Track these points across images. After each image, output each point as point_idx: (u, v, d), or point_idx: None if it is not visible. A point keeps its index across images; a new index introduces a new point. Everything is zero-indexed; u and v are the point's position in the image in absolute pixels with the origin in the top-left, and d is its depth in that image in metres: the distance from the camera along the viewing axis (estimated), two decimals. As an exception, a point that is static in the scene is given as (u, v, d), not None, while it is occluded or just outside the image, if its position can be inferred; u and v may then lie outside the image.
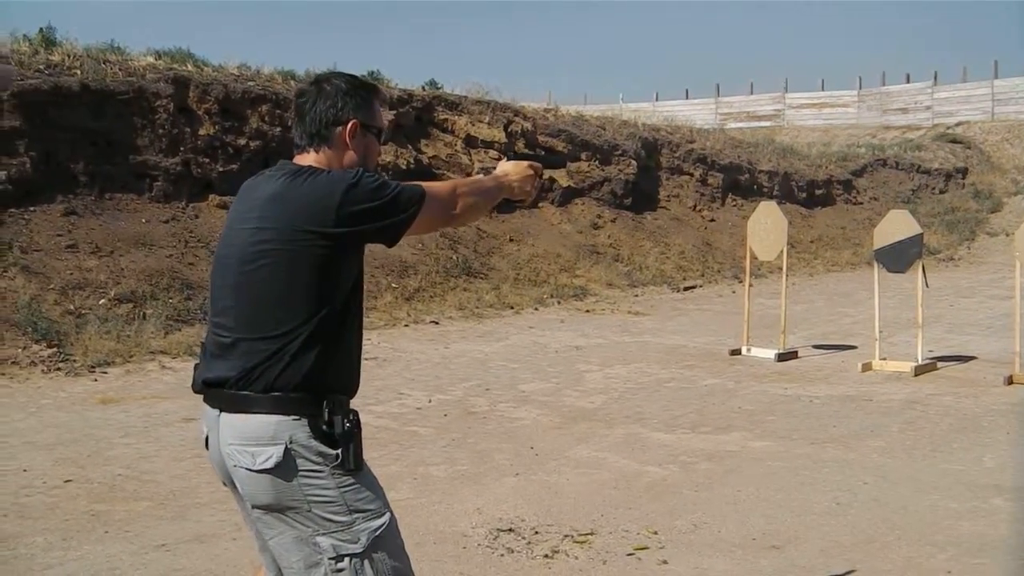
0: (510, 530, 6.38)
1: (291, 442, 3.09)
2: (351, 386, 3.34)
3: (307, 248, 3.12)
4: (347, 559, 3.12)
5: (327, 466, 3.12)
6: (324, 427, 3.12)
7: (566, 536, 6.28)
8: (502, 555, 5.97)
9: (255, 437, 3.11)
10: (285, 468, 3.09)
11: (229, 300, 3.25)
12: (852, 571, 5.74)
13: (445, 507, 6.86)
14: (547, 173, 4.30)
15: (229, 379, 3.17)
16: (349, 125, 3.35)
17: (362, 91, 3.45)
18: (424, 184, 3.38)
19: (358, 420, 3.20)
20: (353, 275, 3.29)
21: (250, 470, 3.11)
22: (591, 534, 6.31)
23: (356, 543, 3.13)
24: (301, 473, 3.10)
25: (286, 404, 3.11)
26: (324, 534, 3.13)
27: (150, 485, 7.32)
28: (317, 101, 3.35)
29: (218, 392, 3.21)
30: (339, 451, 3.13)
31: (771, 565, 5.82)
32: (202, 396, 3.35)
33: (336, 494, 3.12)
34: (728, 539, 6.24)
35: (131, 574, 5.64)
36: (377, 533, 3.17)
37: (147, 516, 6.63)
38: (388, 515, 3.23)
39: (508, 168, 3.80)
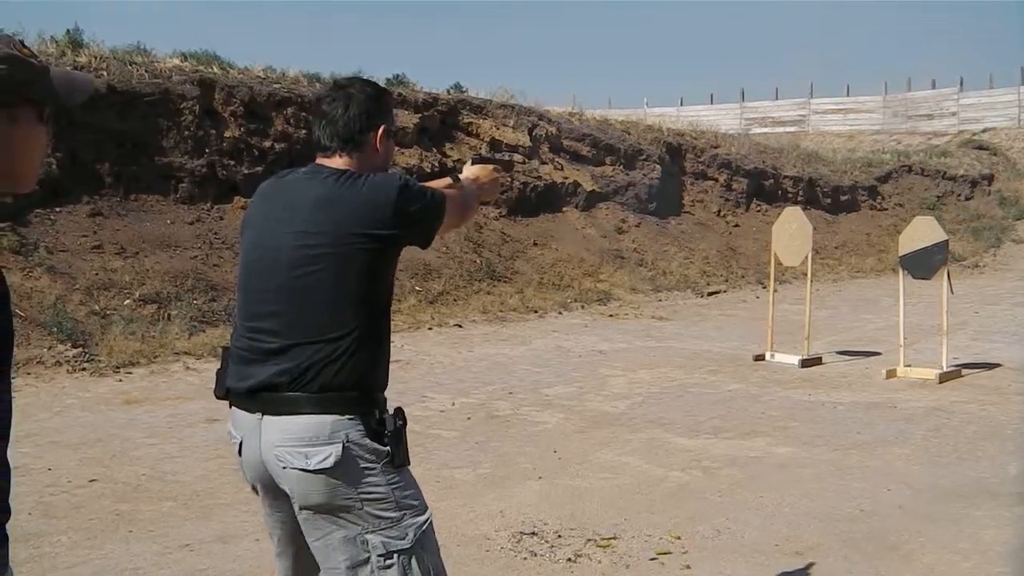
0: (533, 533, 6.39)
1: (347, 441, 3.13)
2: (387, 383, 3.38)
3: (360, 251, 3.18)
4: (396, 555, 3.17)
5: (379, 463, 3.17)
6: (375, 425, 3.18)
7: (589, 540, 6.28)
8: (525, 558, 5.97)
9: (309, 437, 3.13)
10: (342, 467, 3.13)
11: (275, 305, 3.25)
12: (876, 578, 5.73)
13: (468, 510, 6.87)
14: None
15: (279, 383, 3.18)
16: (380, 130, 3.42)
17: (386, 97, 3.54)
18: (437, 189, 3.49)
19: (405, 417, 3.27)
20: (394, 275, 3.38)
21: (304, 470, 3.14)
22: (614, 538, 6.31)
23: (404, 539, 3.18)
24: (355, 472, 3.14)
25: (341, 404, 3.16)
26: (373, 532, 3.17)
27: (174, 485, 7.35)
28: (351, 106, 3.38)
29: (264, 396, 3.22)
30: (389, 448, 3.18)
31: (794, 571, 5.80)
32: (229, 403, 3.38)
33: (387, 491, 3.18)
34: (751, 545, 6.23)
35: (154, 573, 5.66)
36: (423, 529, 3.24)
37: (171, 516, 6.65)
38: (429, 511, 3.30)
39: (477, 172, 3.93)
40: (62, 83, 2.21)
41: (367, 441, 3.16)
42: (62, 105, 2.26)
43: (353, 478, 3.14)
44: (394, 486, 3.20)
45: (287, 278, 3.22)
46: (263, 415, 3.22)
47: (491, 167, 3.97)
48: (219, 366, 3.47)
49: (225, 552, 6.01)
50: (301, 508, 3.23)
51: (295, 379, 3.16)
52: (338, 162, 3.39)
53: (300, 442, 3.14)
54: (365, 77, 3.54)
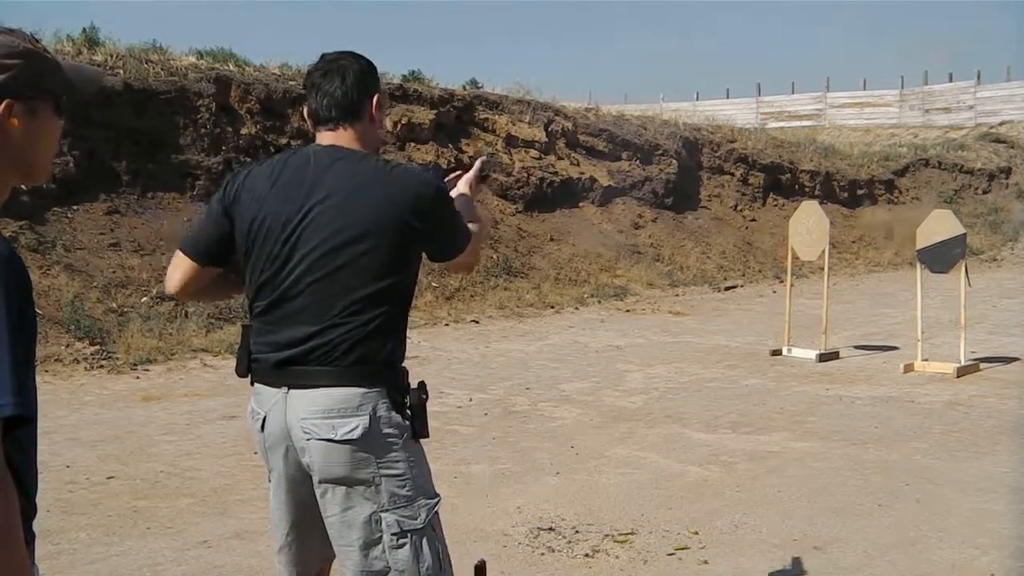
0: (551, 529, 6.39)
1: (374, 413, 3.20)
2: (404, 357, 3.45)
3: (396, 237, 3.25)
4: (409, 535, 3.24)
5: (400, 438, 3.25)
6: (399, 398, 3.26)
7: (607, 535, 6.28)
8: (543, 554, 5.98)
9: (338, 408, 3.19)
10: (367, 439, 3.20)
11: (308, 285, 3.27)
12: (894, 572, 5.71)
13: (486, 506, 6.88)
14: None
15: (310, 358, 3.24)
16: (374, 99, 3.47)
17: (374, 67, 3.57)
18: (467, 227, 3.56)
19: (427, 390, 3.37)
20: (419, 263, 3.45)
21: (330, 440, 3.19)
22: (632, 533, 6.31)
23: (417, 519, 3.26)
24: (380, 444, 3.22)
25: (369, 377, 3.23)
26: (388, 510, 3.24)
27: (192, 482, 7.37)
28: (346, 78, 3.42)
29: (292, 370, 3.28)
30: (410, 421, 3.27)
31: (813, 566, 5.79)
32: (251, 380, 3.43)
33: (405, 467, 3.26)
34: (769, 540, 6.23)
35: (173, 570, 5.67)
36: (434, 511, 3.32)
37: (189, 512, 6.67)
38: (439, 497, 3.39)
39: (475, 210, 3.96)
40: (74, 75, 2.28)
41: (392, 414, 3.24)
42: (76, 97, 2.32)
43: (376, 450, 3.21)
44: (412, 464, 3.28)
45: (323, 259, 3.25)
46: (289, 389, 3.27)
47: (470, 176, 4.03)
48: (240, 344, 3.52)
49: (243, 548, 6.03)
50: (321, 481, 3.28)
51: (326, 354, 3.22)
52: (343, 136, 3.42)
53: (328, 414, 3.20)
54: (352, 51, 3.59)
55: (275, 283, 3.34)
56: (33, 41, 2.19)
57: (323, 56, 3.55)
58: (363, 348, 3.21)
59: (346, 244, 3.23)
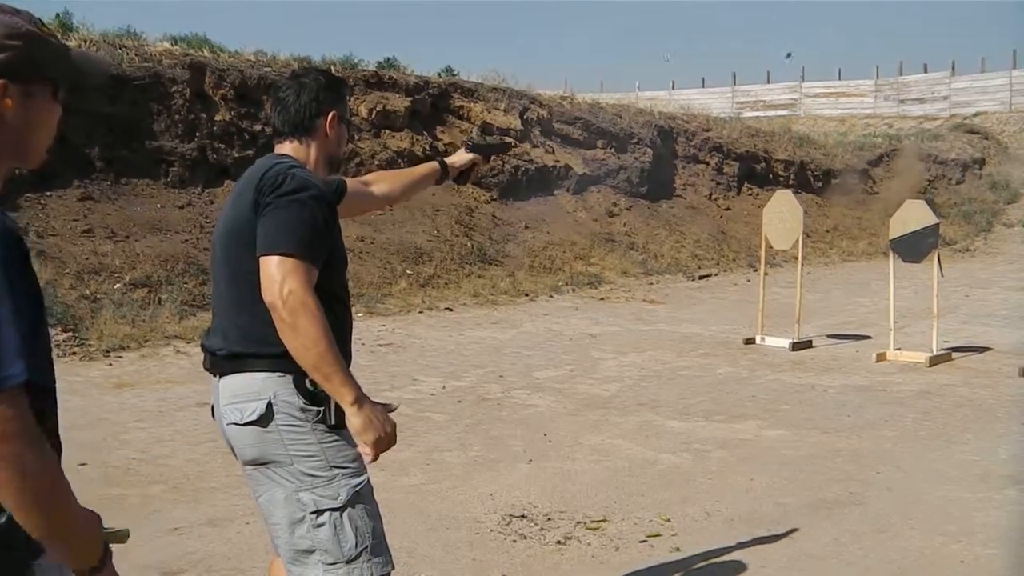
0: (523, 516, 6.40)
1: (275, 396, 3.28)
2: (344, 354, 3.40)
3: (254, 220, 3.33)
4: (327, 513, 3.30)
5: (308, 422, 3.31)
6: (308, 385, 3.28)
7: (579, 523, 6.29)
8: (515, 541, 5.99)
9: (244, 393, 3.31)
10: (268, 421, 3.28)
11: (218, 282, 3.52)
12: (865, 560, 5.74)
13: (458, 493, 6.89)
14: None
15: (223, 347, 3.39)
16: (330, 116, 3.63)
17: (338, 86, 3.75)
18: (300, 272, 3.19)
19: None
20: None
21: (238, 424, 3.32)
22: (604, 521, 6.33)
23: (336, 499, 3.31)
24: (283, 427, 3.29)
25: (271, 364, 3.28)
26: (306, 490, 3.31)
27: (164, 469, 7.36)
28: (301, 94, 3.60)
29: (215, 361, 3.43)
30: (321, 408, 3.30)
31: (784, 553, 5.82)
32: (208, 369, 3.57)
33: (317, 449, 3.31)
34: (740, 527, 6.25)
35: (145, 557, 5.65)
36: (357, 489, 3.35)
37: (161, 500, 6.66)
38: (366, 476, 3.41)
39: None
40: (82, 63, 2.36)
41: (295, 398, 3.29)
42: (83, 85, 2.37)
43: (279, 433, 3.30)
44: (326, 445, 3.32)
45: (218, 255, 3.49)
46: (219, 378, 3.42)
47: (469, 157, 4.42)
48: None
49: (215, 535, 6.02)
50: (243, 464, 3.43)
51: (231, 342, 3.36)
52: (288, 147, 3.60)
53: (238, 398, 3.33)
54: (321, 67, 3.69)
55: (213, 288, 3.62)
56: (39, 25, 2.20)
57: (292, 72, 3.79)
58: (253, 335, 3.30)
59: (224, 239, 3.45)
